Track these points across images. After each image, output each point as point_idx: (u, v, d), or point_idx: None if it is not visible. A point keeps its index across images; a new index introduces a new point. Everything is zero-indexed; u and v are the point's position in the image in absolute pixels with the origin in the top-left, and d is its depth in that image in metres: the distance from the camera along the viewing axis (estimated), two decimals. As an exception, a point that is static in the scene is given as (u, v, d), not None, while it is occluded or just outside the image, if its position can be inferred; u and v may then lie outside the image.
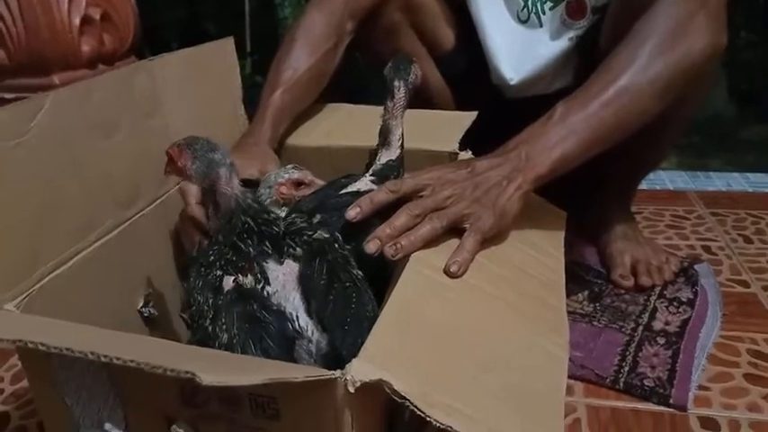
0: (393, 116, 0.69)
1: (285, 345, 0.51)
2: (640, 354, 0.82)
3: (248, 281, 0.53)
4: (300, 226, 0.58)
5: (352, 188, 0.69)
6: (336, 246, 0.56)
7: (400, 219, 0.57)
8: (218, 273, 0.54)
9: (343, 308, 0.51)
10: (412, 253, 0.56)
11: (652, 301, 0.93)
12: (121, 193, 0.67)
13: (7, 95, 1.11)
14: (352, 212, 0.59)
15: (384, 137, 0.70)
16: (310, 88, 0.89)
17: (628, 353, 0.82)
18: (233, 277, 0.54)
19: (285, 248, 0.56)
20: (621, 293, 0.95)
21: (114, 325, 0.63)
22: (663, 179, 1.38)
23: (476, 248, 0.58)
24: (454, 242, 0.59)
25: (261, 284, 0.53)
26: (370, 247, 0.56)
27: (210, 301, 0.53)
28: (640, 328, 0.87)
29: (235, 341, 0.50)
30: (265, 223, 0.57)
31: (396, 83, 0.69)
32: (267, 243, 0.56)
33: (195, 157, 0.56)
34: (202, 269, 0.55)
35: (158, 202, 0.72)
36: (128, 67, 0.71)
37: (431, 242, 0.58)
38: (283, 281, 0.54)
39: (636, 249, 1.00)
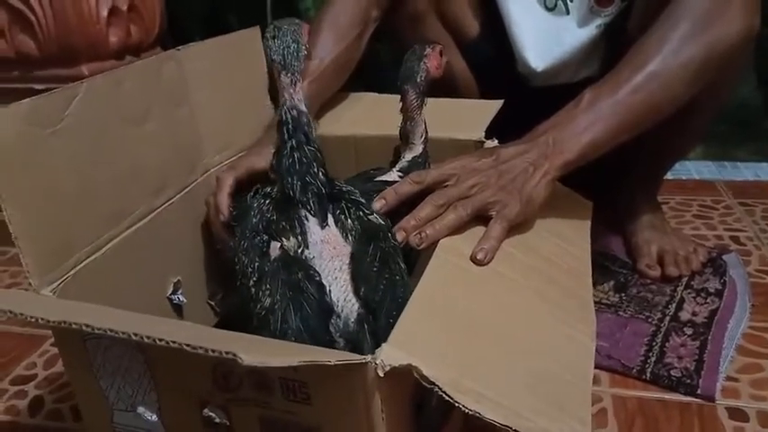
0: (410, 118, 0.69)
1: (323, 316, 0.52)
2: (667, 344, 0.81)
3: (291, 244, 0.54)
4: (352, 196, 0.58)
5: (379, 179, 0.70)
6: (390, 235, 0.57)
7: (425, 209, 0.58)
8: (265, 237, 0.55)
9: (392, 300, 0.52)
10: (437, 241, 0.56)
11: (679, 292, 0.92)
12: (151, 181, 0.68)
13: (37, 86, 1.13)
14: (378, 204, 0.59)
15: (405, 139, 0.70)
16: (336, 78, 0.89)
17: (654, 343, 0.81)
18: (279, 243, 0.54)
19: (329, 212, 0.57)
20: (648, 284, 0.94)
21: (145, 311, 0.64)
22: (689, 169, 1.36)
23: (502, 236, 0.58)
24: (481, 230, 0.59)
25: (300, 249, 0.54)
26: (396, 238, 0.56)
27: (256, 264, 0.54)
28: (667, 318, 0.86)
29: (276, 307, 0.51)
30: (312, 176, 0.57)
31: (405, 87, 0.69)
32: (310, 200, 0.56)
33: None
34: (247, 231, 0.56)
35: (187, 190, 0.73)
36: (157, 56, 0.72)
37: (456, 230, 0.58)
38: (321, 249, 0.55)
39: (663, 239, 0.99)
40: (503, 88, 0.94)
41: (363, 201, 0.59)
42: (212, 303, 0.77)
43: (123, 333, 0.34)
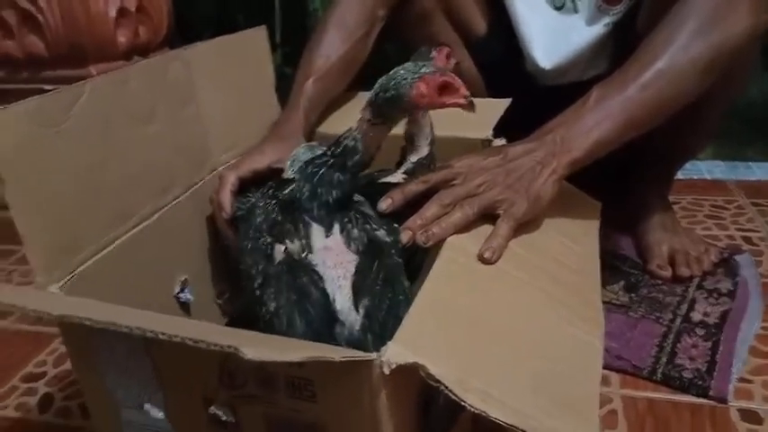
0: (414, 120, 0.67)
1: (328, 322, 0.52)
2: (679, 345, 0.80)
3: (296, 248, 0.54)
4: (361, 207, 0.58)
5: (384, 180, 0.69)
6: (393, 252, 0.56)
7: (431, 209, 0.57)
8: (269, 239, 0.55)
9: (395, 320, 0.51)
10: (443, 239, 0.56)
11: (691, 292, 0.91)
12: (158, 180, 0.68)
13: (46, 87, 1.13)
14: (384, 204, 0.59)
15: (410, 140, 0.69)
16: (342, 76, 0.89)
17: (665, 344, 0.80)
18: (284, 246, 0.54)
19: (336, 221, 0.56)
20: (658, 284, 0.93)
21: (152, 309, 0.65)
22: (700, 169, 1.35)
23: (509, 235, 0.57)
24: (488, 229, 0.59)
25: (304, 253, 0.54)
26: (402, 238, 0.56)
27: (261, 267, 0.54)
28: (678, 319, 0.85)
29: (281, 311, 0.51)
30: (323, 189, 0.57)
31: None
32: (315, 207, 0.56)
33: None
34: (251, 232, 0.56)
35: (194, 189, 0.73)
36: (163, 55, 0.72)
37: (463, 229, 0.57)
38: (323, 257, 0.55)
39: (674, 239, 0.98)
40: (511, 87, 0.94)
41: (372, 214, 0.59)
42: (220, 302, 0.77)
43: (126, 327, 0.34)
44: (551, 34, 0.97)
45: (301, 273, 0.52)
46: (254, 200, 0.64)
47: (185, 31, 1.41)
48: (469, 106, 0.56)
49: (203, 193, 0.74)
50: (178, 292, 0.69)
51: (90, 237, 0.59)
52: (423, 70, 0.55)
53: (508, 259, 0.56)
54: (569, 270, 0.60)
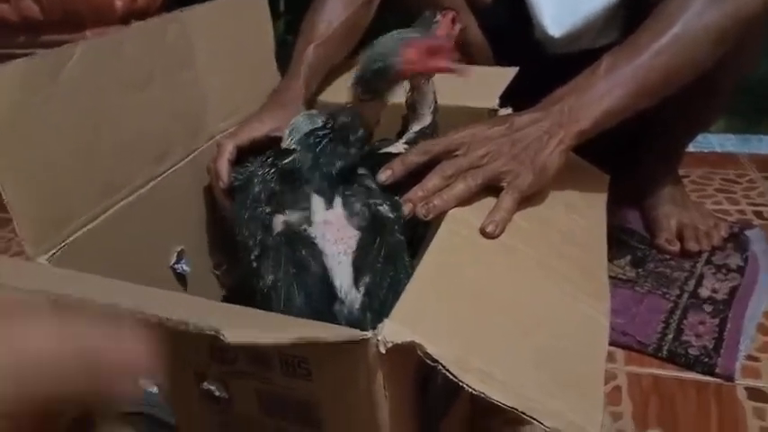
0: (416, 87, 0.65)
1: (327, 298, 0.50)
2: (685, 321, 0.79)
3: (295, 219, 0.52)
4: (365, 181, 0.56)
5: (385, 150, 0.67)
6: (396, 228, 0.54)
7: (432, 180, 0.55)
8: (267, 210, 0.53)
9: (395, 298, 0.50)
10: (445, 211, 0.54)
11: (699, 268, 0.89)
12: (154, 147, 0.66)
13: (41, 52, 1.11)
14: (384, 176, 0.57)
15: (412, 109, 0.66)
16: (345, 42, 0.86)
17: (672, 320, 0.79)
18: (283, 217, 0.53)
19: (338, 194, 0.54)
20: (666, 259, 0.92)
21: (146, 281, 0.62)
22: (711, 142, 1.31)
23: (513, 207, 0.55)
24: (491, 201, 0.57)
25: (304, 225, 0.52)
26: (403, 210, 0.54)
27: (258, 238, 0.53)
28: (686, 294, 0.84)
29: (279, 284, 0.50)
30: (326, 160, 0.55)
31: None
32: (317, 178, 0.54)
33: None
34: (248, 201, 0.55)
35: (191, 157, 0.71)
36: (160, 17, 0.69)
37: (466, 201, 0.55)
38: (323, 230, 0.53)
39: (683, 213, 0.96)
40: (518, 55, 0.91)
41: (376, 188, 0.57)
42: (218, 273, 0.76)
43: (104, 304, 0.32)
44: (561, 1, 0.93)
45: (300, 245, 0.51)
46: (252, 169, 0.62)
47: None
48: (462, 71, 0.55)
49: (200, 161, 0.72)
50: (174, 263, 0.68)
51: (81, 207, 0.57)
52: (408, 35, 0.53)
53: (512, 233, 0.54)
54: (575, 244, 0.58)
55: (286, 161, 0.57)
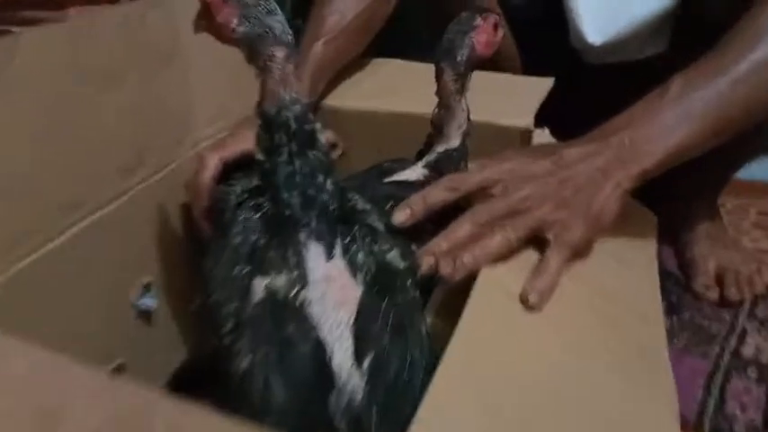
0: (445, 105, 0.54)
1: (321, 386, 0.39)
2: (728, 387, 0.69)
3: (282, 284, 0.41)
4: (367, 220, 0.45)
5: (399, 176, 0.56)
6: (409, 283, 0.43)
7: (462, 228, 0.44)
8: (246, 269, 0.42)
9: (405, 386, 0.39)
10: (476, 271, 0.43)
11: (740, 321, 0.79)
12: (122, 157, 0.55)
13: (15, 29, 0.99)
14: (401, 216, 0.46)
15: (438, 128, 0.55)
16: (358, 38, 0.75)
17: (713, 385, 0.69)
18: (265, 280, 0.41)
19: (338, 238, 0.43)
20: (703, 307, 0.82)
21: (103, 318, 0.53)
22: (749, 168, 1.21)
23: (561, 270, 0.44)
24: (530, 254, 0.46)
25: (296, 289, 0.41)
26: (422, 264, 0.43)
27: (233, 306, 0.41)
28: (727, 353, 0.74)
29: (256, 371, 0.38)
30: (317, 188, 0.43)
31: (441, 64, 0.53)
32: (314, 219, 0.43)
33: (245, 15, 0.44)
34: (225, 254, 0.43)
35: (169, 169, 0.60)
36: (139, 2, 0.58)
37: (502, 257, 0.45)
38: (324, 289, 0.41)
39: (722, 254, 0.86)
40: (550, 63, 0.80)
41: (381, 228, 0.45)
42: (193, 309, 0.65)
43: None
44: (605, 3, 0.83)
45: (288, 320, 0.39)
46: (238, 191, 0.50)
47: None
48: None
49: (178, 175, 0.60)
50: (138, 298, 0.57)
51: (29, 230, 0.47)
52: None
53: (557, 299, 0.44)
54: (632, 314, 0.47)
55: (265, 203, 0.45)
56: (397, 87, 0.77)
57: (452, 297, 0.46)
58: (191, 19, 0.61)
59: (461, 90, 0.53)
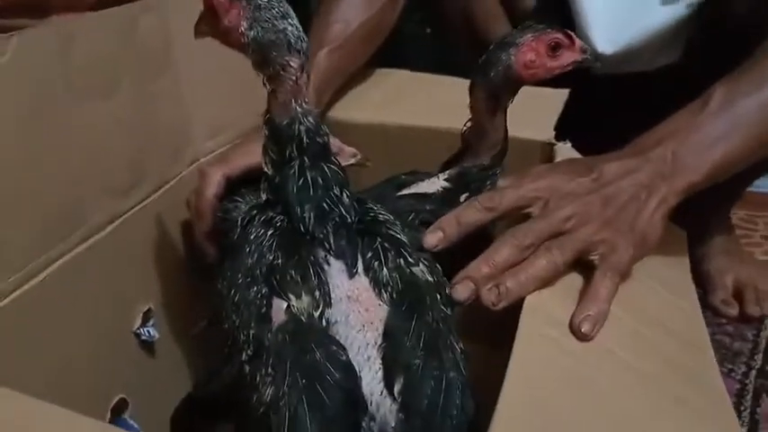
0: (476, 123, 0.50)
1: (352, 414, 0.35)
2: (758, 410, 0.66)
3: (304, 305, 0.37)
4: (390, 230, 0.41)
5: (417, 189, 0.52)
6: (439, 298, 0.39)
7: (503, 251, 0.40)
8: (264, 290, 0.38)
9: (444, 412, 0.35)
10: (521, 298, 0.39)
11: (763, 338, 0.76)
12: (118, 176, 0.50)
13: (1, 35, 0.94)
14: (433, 239, 0.42)
15: (467, 145, 0.52)
16: (363, 48, 0.71)
17: (743, 407, 0.66)
18: (285, 302, 0.37)
19: (359, 253, 0.39)
20: (723, 323, 0.79)
21: (102, 350, 0.48)
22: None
23: (613, 294, 0.41)
24: (574, 278, 0.43)
25: (320, 310, 0.37)
26: (460, 291, 0.39)
27: (252, 332, 0.37)
28: (753, 372, 0.71)
29: (282, 403, 0.34)
30: (332, 201, 0.40)
31: (474, 79, 0.49)
32: (331, 234, 0.39)
33: (256, 18, 0.39)
34: (239, 276, 0.39)
35: (167, 187, 0.56)
36: (131, 5, 0.53)
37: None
38: (347, 310, 0.37)
39: (739, 269, 0.83)
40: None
41: (405, 240, 0.41)
42: (194, 333, 0.60)
43: None
44: (616, 12, 0.80)
45: (312, 343, 0.35)
46: (245, 209, 0.46)
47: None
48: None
49: (180, 191, 0.56)
50: (139, 327, 0.52)
51: (18, 258, 0.42)
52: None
53: (608, 329, 0.40)
54: (679, 340, 0.44)
55: (277, 215, 0.41)
56: (404, 99, 0.74)
57: (474, 314, 0.42)
58: (185, 23, 0.57)
59: (494, 109, 0.49)
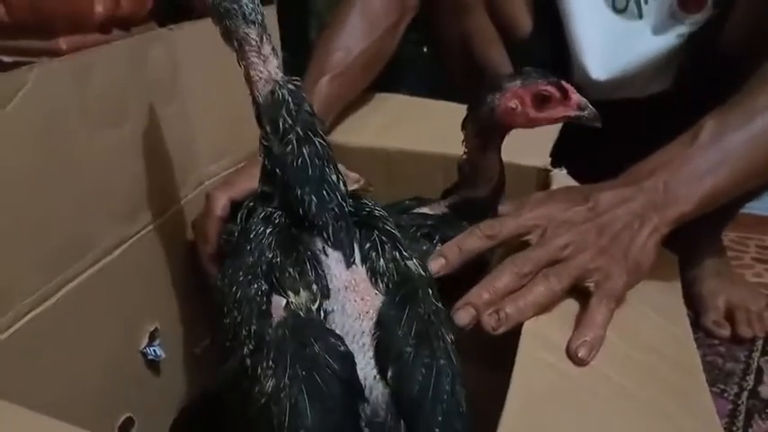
0: (469, 156, 0.51)
1: (351, 405, 0.36)
2: (750, 430, 0.67)
3: (303, 300, 0.38)
4: (386, 224, 0.42)
5: (419, 211, 0.54)
6: (430, 293, 0.40)
7: (502, 278, 0.42)
8: (264, 287, 0.39)
9: (434, 398, 0.36)
10: (520, 324, 0.40)
11: (755, 359, 0.78)
12: (126, 201, 0.51)
13: (5, 58, 0.95)
14: (436, 265, 0.44)
15: (463, 175, 0.53)
16: (364, 75, 0.73)
17: (735, 427, 0.67)
18: (285, 299, 0.38)
19: (359, 244, 0.41)
20: (715, 344, 0.80)
21: (108, 369, 0.49)
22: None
23: (608, 320, 0.42)
24: (570, 304, 0.44)
25: (317, 302, 0.38)
26: (461, 317, 0.40)
27: (253, 328, 0.38)
28: (745, 393, 0.72)
29: (283, 394, 0.35)
30: (330, 188, 0.41)
31: (467, 115, 0.51)
32: (331, 226, 0.40)
33: None
34: (241, 275, 0.40)
35: (172, 210, 0.57)
36: (140, 36, 0.55)
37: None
38: (344, 300, 0.39)
39: (731, 291, 0.85)
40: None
41: (400, 235, 0.43)
42: (198, 351, 0.61)
43: None
44: (609, 41, 0.82)
45: (311, 336, 0.37)
46: (243, 223, 0.47)
47: (177, 4, 1.21)
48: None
49: (185, 215, 0.57)
50: (145, 347, 0.53)
51: (28, 283, 0.43)
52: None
53: (603, 354, 0.41)
54: (672, 365, 0.45)
55: (280, 210, 0.42)
56: (404, 123, 0.75)
57: (474, 337, 0.43)
58: (190, 55, 0.58)
59: (485, 146, 0.50)
